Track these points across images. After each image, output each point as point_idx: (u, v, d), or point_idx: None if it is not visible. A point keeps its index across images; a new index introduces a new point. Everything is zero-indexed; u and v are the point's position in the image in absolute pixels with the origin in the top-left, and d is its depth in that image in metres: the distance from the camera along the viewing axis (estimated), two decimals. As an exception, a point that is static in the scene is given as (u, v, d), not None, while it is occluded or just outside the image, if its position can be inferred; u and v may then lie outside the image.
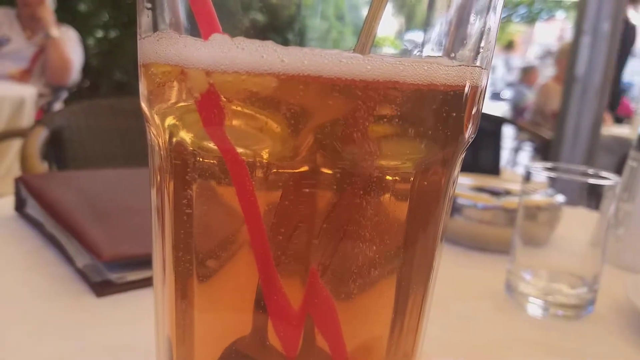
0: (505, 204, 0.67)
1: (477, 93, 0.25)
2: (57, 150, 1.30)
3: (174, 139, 0.23)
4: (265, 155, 0.21)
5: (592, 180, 0.51)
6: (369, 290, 0.24)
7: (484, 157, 2.22)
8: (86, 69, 3.02)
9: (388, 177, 0.22)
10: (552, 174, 0.52)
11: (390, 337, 0.25)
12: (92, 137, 1.35)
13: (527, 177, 0.53)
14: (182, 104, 0.22)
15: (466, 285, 0.58)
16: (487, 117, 2.96)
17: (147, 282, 0.48)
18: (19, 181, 0.63)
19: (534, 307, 0.51)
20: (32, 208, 0.60)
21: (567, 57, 2.26)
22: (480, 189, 0.73)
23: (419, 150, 0.22)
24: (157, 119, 0.23)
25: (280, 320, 0.22)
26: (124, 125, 1.41)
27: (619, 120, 3.17)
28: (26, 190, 0.61)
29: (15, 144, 2.11)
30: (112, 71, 3.69)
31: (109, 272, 0.47)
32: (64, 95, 2.83)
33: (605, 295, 0.54)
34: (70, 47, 2.74)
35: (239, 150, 0.21)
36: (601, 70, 1.92)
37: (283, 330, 0.22)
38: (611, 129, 2.63)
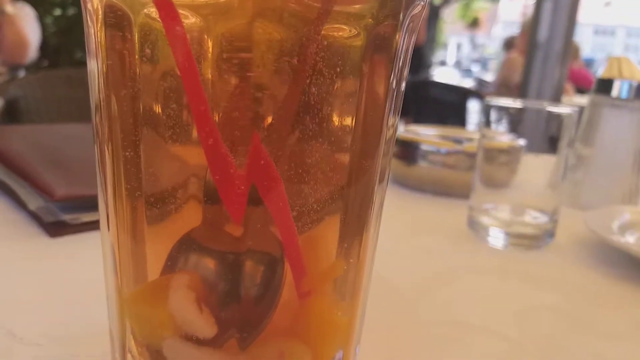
0: (468, 147, 0.67)
1: None
2: (12, 121, 1.26)
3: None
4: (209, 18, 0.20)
5: (550, 109, 0.51)
6: (315, 168, 0.23)
7: (449, 128, 2.24)
8: (44, 47, 2.92)
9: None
10: (512, 104, 0.52)
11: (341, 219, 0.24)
12: (48, 108, 1.31)
13: (486, 111, 0.54)
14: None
15: (429, 223, 0.58)
16: (452, 89, 2.99)
17: (103, 223, 0.47)
18: (-33, 133, 0.60)
19: (495, 238, 0.52)
20: (-17, 161, 0.58)
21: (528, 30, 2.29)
22: (444, 138, 0.73)
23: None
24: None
25: (226, 187, 0.21)
26: (80, 95, 1.37)
27: (580, 91, 3.23)
28: (-25, 140, 0.58)
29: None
30: (72, 49, 3.58)
31: (62, 213, 0.46)
32: (22, 74, 2.74)
33: (564, 230, 0.55)
34: (27, 24, 2.65)
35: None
36: (562, 36, 1.94)
37: (228, 199, 0.21)
38: (573, 99, 2.68)
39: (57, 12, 3.80)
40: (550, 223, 0.52)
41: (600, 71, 0.76)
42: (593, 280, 0.46)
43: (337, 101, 0.23)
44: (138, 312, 0.24)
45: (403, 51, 0.24)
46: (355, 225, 0.25)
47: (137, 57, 0.22)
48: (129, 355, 0.24)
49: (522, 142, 0.56)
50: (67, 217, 0.46)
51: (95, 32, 0.23)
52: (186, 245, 0.23)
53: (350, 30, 0.22)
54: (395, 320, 0.36)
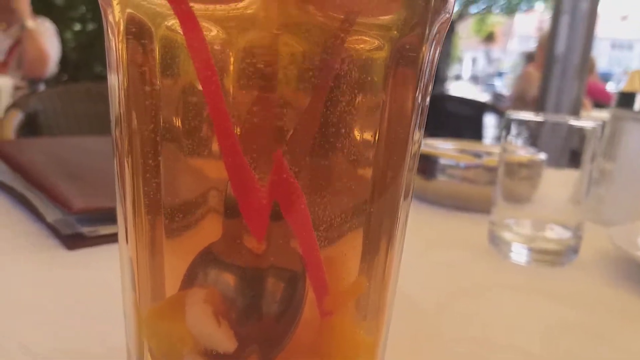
0: (487, 161, 0.66)
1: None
2: (32, 134, 1.27)
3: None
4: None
5: (573, 122, 0.50)
6: (338, 183, 0.22)
7: (465, 143, 2.22)
8: (64, 62, 2.97)
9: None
10: (533, 118, 0.51)
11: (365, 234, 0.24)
12: (67, 122, 1.32)
13: (507, 124, 0.53)
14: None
15: (449, 238, 0.57)
16: (468, 103, 2.98)
17: (120, 236, 0.47)
18: (-13, 146, 0.61)
19: (518, 254, 0.50)
20: (2, 174, 0.58)
21: (546, 44, 2.27)
22: (463, 151, 0.73)
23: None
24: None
25: (247, 202, 0.21)
26: (100, 109, 1.38)
27: (597, 105, 3.19)
28: (-5, 154, 0.59)
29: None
30: (91, 65, 3.63)
31: (80, 225, 0.46)
32: (41, 88, 2.78)
33: (588, 247, 0.53)
34: (47, 38, 2.69)
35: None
36: (580, 49, 1.93)
37: (250, 213, 0.21)
38: (591, 113, 2.65)
39: (77, 27, 3.87)
40: (574, 239, 0.51)
41: (620, 85, 0.75)
42: (619, 297, 0.45)
43: (360, 115, 0.22)
44: (156, 328, 0.23)
45: (429, 64, 0.24)
46: (379, 241, 0.24)
47: (157, 70, 0.21)
48: (146, 373, 0.24)
49: (542, 156, 0.55)
50: (84, 230, 0.46)
51: (116, 45, 0.23)
52: (205, 259, 0.23)
53: (374, 43, 0.22)
54: (418, 338, 0.35)
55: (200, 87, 0.20)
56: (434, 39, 0.23)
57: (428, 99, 0.26)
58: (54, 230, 0.47)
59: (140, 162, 0.23)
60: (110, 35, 0.23)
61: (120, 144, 0.24)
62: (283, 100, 0.21)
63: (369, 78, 0.22)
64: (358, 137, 0.22)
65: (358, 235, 0.23)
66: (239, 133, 0.20)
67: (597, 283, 0.48)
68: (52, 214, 0.47)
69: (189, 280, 0.23)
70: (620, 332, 0.39)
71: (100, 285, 0.38)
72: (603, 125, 0.57)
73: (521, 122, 0.53)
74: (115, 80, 0.23)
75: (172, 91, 0.21)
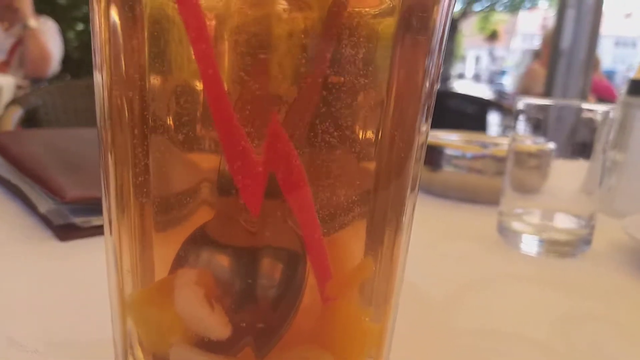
0: (495, 151, 0.64)
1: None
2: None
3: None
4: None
5: (585, 106, 0.48)
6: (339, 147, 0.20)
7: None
8: (67, 62, 2.95)
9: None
10: (543, 102, 0.49)
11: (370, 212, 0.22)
12: (67, 117, 1.30)
13: (517, 112, 0.51)
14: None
15: (456, 230, 0.55)
16: (472, 100, 2.95)
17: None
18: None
19: (528, 245, 0.49)
20: (-3, 166, 0.57)
21: (551, 40, 2.24)
22: (468, 142, 0.71)
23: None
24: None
25: (240, 171, 0.19)
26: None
27: (603, 103, 3.17)
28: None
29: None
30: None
31: (73, 215, 0.44)
32: (43, 87, 2.77)
33: (600, 237, 0.51)
34: (49, 38, 2.68)
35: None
36: (586, 44, 1.90)
37: (244, 184, 0.19)
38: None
39: (80, 26, 3.86)
40: (587, 229, 0.49)
41: (626, 78, 0.73)
42: (634, 287, 0.43)
43: (365, 89, 0.20)
44: (143, 315, 0.21)
45: (440, 33, 0.22)
46: (386, 228, 0.22)
47: (145, 43, 0.19)
48: (133, 363, 0.22)
49: (552, 145, 0.53)
50: (77, 220, 0.44)
51: (98, 15, 0.21)
52: (197, 240, 0.21)
53: (381, 3, 0.20)
54: (428, 329, 0.34)
55: (192, 58, 0.18)
56: (447, 4, 0.21)
57: (437, 86, 0.24)
58: (46, 221, 0.45)
59: (125, 152, 0.21)
60: (95, 5, 0.21)
61: (105, 136, 0.22)
62: (281, 67, 0.19)
63: (375, 45, 0.20)
64: (362, 115, 0.20)
65: (362, 221, 0.22)
66: (233, 102, 0.18)
67: (611, 274, 0.46)
68: (44, 205, 0.46)
69: (180, 262, 0.21)
70: (638, 324, 0.37)
71: (92, 277, 0.36)
72: (614, 109, 0.55)
73: (531, 107, 0.51)
74: (98, 68, 0.22)
75: (162, 67, 0.20)
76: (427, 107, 0.22)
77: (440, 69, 0.23)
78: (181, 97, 0.20)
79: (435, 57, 0.22)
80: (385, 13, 0.20)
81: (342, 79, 0.20)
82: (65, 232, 0.43)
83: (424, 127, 0.23)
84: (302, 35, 0.19)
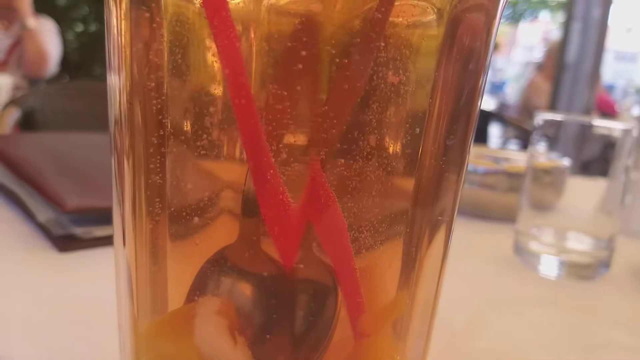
0: (509, 168, 0.62)
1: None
2: (29, 132, 1.23)
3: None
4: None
5: (602, 124, 0.47)
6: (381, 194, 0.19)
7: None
8: (66, 63, 2.93)
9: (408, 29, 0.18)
10: (561, 118, 0.48)
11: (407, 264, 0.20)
12: (66, 120, 1.28)
13: (537, 126, 0.49)
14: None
15: (471, 249, 0.53)
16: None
17: (117, 238, 0.43)
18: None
19: (547, 266, 0.47)
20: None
21: (555, 53, 2.23)
22: (479, 157, 0.69)
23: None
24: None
25: (276, 222, 0.17)
26: (99, 107, 1.34)
27: (606, 118, 3.16)
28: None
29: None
30: (93, 66, 3.60)
31: (73, 225, 0.42)
32: (42, 88, 2.74)
33: (618, 260, 0.49)
34: (48, 38, 2.66)
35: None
36: (592, 57, 1.89)
37: (278, 233, 0.17)
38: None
39: (79, 28, 3.84)
40: (607, 251, 0.47)
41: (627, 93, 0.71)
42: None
43: (407, 109, 0.18)
44: (157, 347, 0.19)
45: (490, 48, 0.20)
46: (424, 258, 0.21)
47: (165, 48, 0.18)
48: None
49: (566, 162, 0.51)
50: (78, 231, 0.42)
51: (117, 18, 0.19)
52: (217, 266, 0.19)
53: (425, 13, 0.18)
54: (449, 354, 0.32)
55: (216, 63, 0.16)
56: (499, 14, 0.19)
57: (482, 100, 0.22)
58: (45, 230, 0.43)
59: (142, 160, 0.19)
60: (113, 6, 0.20)
61: (120, 141, 0.20)
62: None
63: (417, 61, 0.18)
64: (401, 138, 0.19)
65: (398, 249, 0.20)
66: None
67: (632, 298, 0.44)
68: (43, 213, 0.44)
69: (198, 289, 0.19)
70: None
71: (93, 291, 0.34)
72: (636, 128, 0.53)
73: (549, 123, 0.49)
74: (115, 71, 0.20)
75: (184, 77, 0.18)
76: (475, 126, 0.21)
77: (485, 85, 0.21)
78: (204, 104, 0.18)
79: (486, 73, 0.20)
80: (431, 24, 0.18)
81: (380, 99, 0.18)
82: (65, 243, 0.41)
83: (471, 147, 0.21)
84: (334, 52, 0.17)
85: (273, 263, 0.18)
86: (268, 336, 0.18)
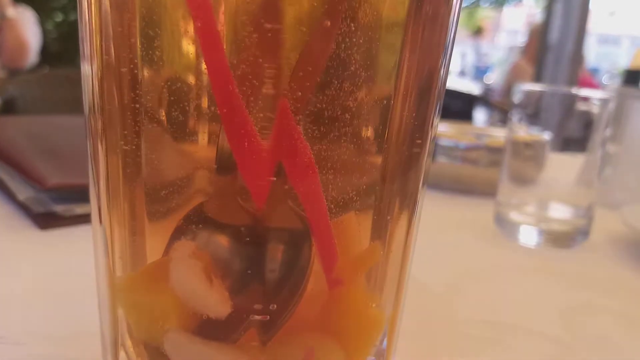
0: (490, 142, 0.63)
1: None
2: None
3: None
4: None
5: (583, 93, 0.47)
6: (350, 140, 0.19)
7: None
8: (45, 53, 2.89)
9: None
10: (541, 88, 0.48)
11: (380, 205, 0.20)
12: (46, 108, 1.27)
13: (516, 98, 0.50)
14: None
15: (453, 221, 0.54)
16: (458, 96, 2.95)
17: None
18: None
19: (527, 236, 0.47)
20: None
21: (538, 34, 2.24)
22: (462, 133, 0.69)
23: None
24: None
25: (247, 161, 0.17)
26: (80, 95, 1.33)
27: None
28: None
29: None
30: (73, 56, 3.54)
31: (54, 203, 0.42)
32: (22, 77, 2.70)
33: (598, 230, 0.50)
34: (27, 28, 2.62)
35: None
36: (573, 38, 1.90)
37: (250, 173, 0.17)
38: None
39: (59, 17, 3.78)
40: (585, 219, 0.48)
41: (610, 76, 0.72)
42: (633, 277, 0.42)
43: (377, 64, 0.19)
44: (134, 300, 0.20)
45: (455, 23, 0.20)
46: (396, 216, 0.21)
47: (138, 23, 0.18)
48: (122, 354, 0.20)
49: (547, 135, 0.52)
50: (59, 209, 0.42)
51: (88, 1, 0.19)
52: (194, 219, 0.19)
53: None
54: (429, 319, 0.32)
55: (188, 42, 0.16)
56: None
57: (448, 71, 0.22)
58: (25, 208, 0.43)
59: (117, 140, 0.19)
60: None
61: (94, 122, 0.20)
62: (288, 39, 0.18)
63: (388, 31, 0.18)
64: (373, 104, 0.19)
65: (371, 206, 0.20)
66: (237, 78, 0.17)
67: (611, 264, 0.45)
68: (23, 192, 0.43)
69: (175, 241, 0.19)
70: (637, 313, 0.36)
71: (74, 268, 0.34)
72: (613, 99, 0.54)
73: (527, 95, 0.50)
74: (87, 56, 0.20)
75: (156, 47, 0.18)
76: (440, 100, 0.21)
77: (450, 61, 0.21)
78: (177, 82, 0.18)
79: (450, 48, 0.20)
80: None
81: (352, 64, 0.18)
82: (46, 220, 0.41)
83: (437, 121, 0.22)
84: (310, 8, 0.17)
85: (248, 214, 0.18)
86: (243, 286, 0.18)
